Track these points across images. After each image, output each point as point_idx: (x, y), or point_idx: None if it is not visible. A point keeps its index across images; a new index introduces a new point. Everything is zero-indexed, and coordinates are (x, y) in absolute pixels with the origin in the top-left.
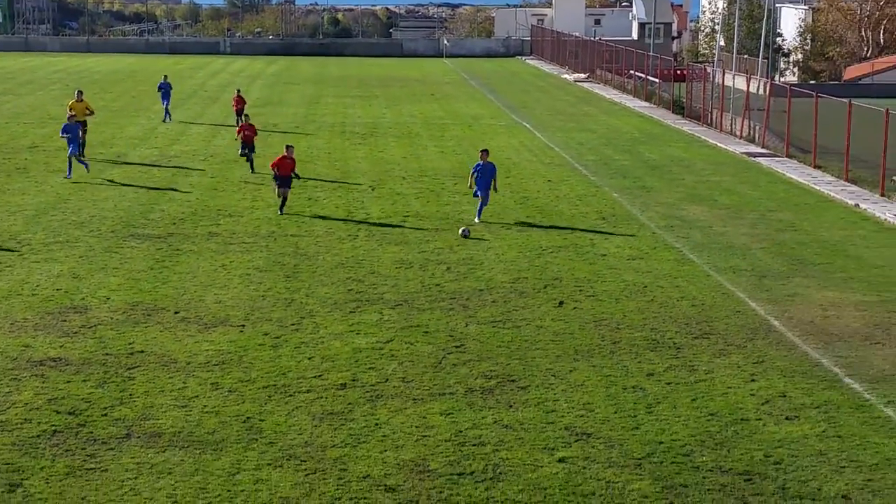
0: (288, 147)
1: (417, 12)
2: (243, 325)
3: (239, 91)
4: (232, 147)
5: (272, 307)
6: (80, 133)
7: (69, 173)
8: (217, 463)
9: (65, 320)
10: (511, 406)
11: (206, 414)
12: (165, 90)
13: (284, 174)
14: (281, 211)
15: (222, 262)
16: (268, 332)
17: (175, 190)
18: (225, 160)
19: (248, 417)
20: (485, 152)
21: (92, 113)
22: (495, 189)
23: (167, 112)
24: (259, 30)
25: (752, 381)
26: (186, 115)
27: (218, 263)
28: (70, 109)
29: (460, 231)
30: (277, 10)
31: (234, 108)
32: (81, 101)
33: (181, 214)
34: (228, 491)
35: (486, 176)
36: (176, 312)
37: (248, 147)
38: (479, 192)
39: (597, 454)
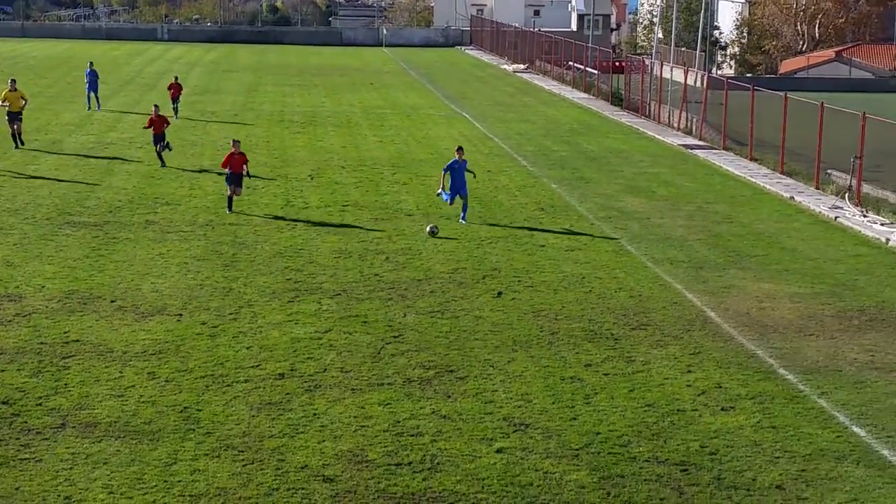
0: (234, 142)
1: (357, 1)
2: (180, 315)
3: (176, 78)
4: (169, 134)
5: (210, 296)
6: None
7: None
8: (153, 453)
9: None
10: (449, 396)
11: (142, 404)
12: (92, 79)
13: (235, 171)
14: (229, 208)
15: (159, 250)
16: (205, 321)
17: (112, 177)
18: None
19: (185, 407)
20: (460, 150)
21: (26, 102)
22: (474, 175)
23: (97, 99)
24: (197, 17)
25: (689, 372)
26: (123, 102)
27: (155, 252)
28: (4, 100)
29: (427, 229)
30: None
31: (171, 95)
32: (15, 90)
33: (118, 202)
34: (165, 481)
35: (461, 173)
36: (112, 301)
37: (159, 139)
38: (458, 192)
39: (534, 445)
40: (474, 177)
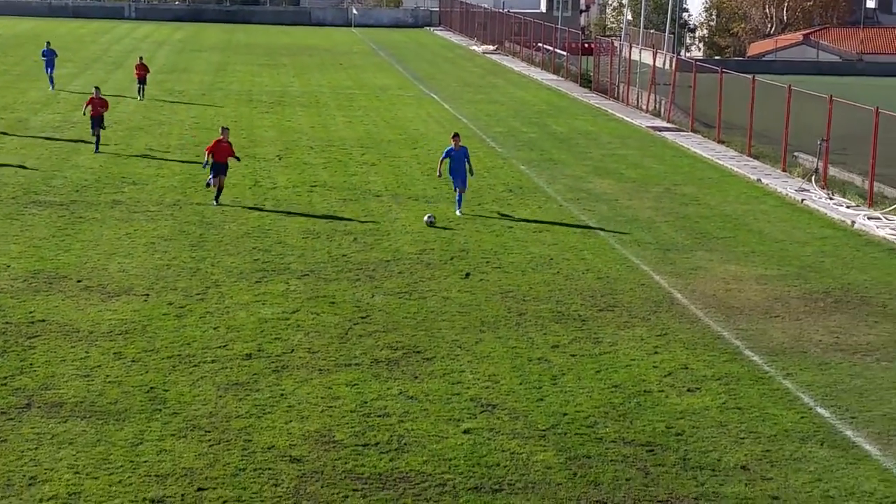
0: (223, 129)
1: None
2: (147, 295)
3: (142, 58)
4: (137, 113)
5: (177, 276)
6: None
7: None
8: (120, 433)
9: None
10: (416, 377)
11: (108, 384)
12: (49, 58)
13: (220, 160)
14: (217, 201)
15: (126, 230)
16: (172, 301)
17: (78, 157)
18: (129, 127)
19: (151, 387)
20: (456, 136)
21: None
22: (471, 172)
23: (51, 80)
24: None
25: (655, 353)
26: (90, 82)
27: (122, 232)
28: None
29: (425, 219)
30: None
31: (137, 75)
32: None
33: (84, 182)
34: (131, 462)
35: (459, 162)
36: (78, 281)
37: (97, 122)
38: (456, 183)
39: (502, 425)
40: (471, 174)
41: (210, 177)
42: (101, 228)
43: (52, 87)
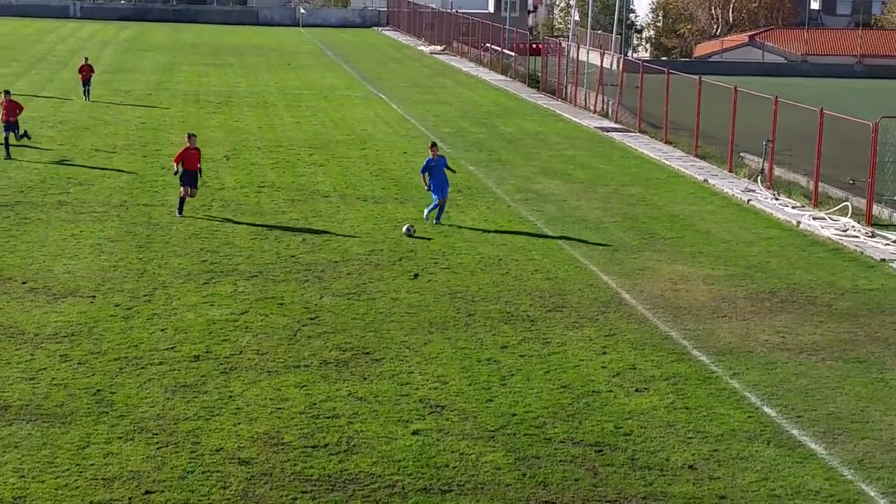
0: (190, 136)
1: None
2: (94, 296)
3: (87, 59)
4: (82, 113)
5: (124, 278)
6: None
7: None
8: (66, 436)
9: None
10: (365, 378)
11: (54, 386)
12: None
13: (190, 168)
14: (180, 212)
15: (72, 231)
16: (119, 303)
17: (23, 157)
18: (74, 127)
19: (98, 390)
20: (434, 146)
21: None
22: (453, 171)
23: None
24: None
25: (604, 353)
26: (35, 81)
27: (68, 233)
28: None
29: (404, 229)
30: None
31: (82, 77)
32: None
33: (29, 182)
34: (77, 465)
35: (439, 171)
36: (23, 282)
37: (10, 127)
38: (435, 193)
39: (451, 426)
40: (454, 172)
41: (181, 185)
42: (46, 229)
43: None
